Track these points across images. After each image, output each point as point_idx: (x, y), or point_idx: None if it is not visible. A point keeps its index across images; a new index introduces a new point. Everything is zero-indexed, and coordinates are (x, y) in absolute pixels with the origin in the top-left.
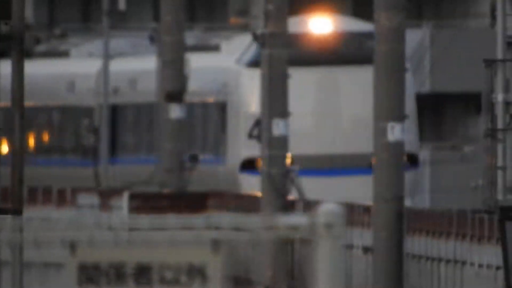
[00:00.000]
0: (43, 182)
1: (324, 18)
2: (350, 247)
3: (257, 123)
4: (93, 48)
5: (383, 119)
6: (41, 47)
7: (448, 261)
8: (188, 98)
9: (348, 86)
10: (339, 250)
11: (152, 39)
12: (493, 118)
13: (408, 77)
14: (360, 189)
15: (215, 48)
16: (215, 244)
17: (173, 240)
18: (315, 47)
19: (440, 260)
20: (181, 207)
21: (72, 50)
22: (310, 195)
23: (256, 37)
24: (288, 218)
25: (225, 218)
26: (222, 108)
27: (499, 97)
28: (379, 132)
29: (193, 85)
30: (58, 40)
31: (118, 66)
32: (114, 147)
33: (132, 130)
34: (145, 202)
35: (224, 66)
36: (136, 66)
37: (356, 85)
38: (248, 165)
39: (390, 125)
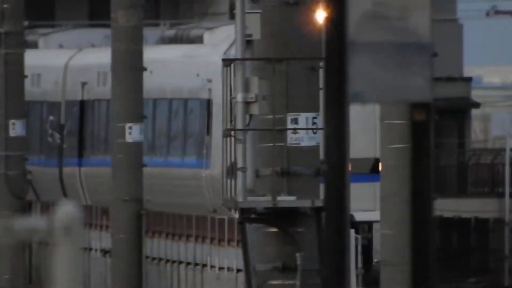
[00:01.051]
0: None
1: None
2: (88, 249)
3: None
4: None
5: (121, 119)
6: None
7: (188, 263)
8: (165, 94)
9: None
10: (77, 253)
11: None
12: (232, 118)
13: None
14: (363, 197)
15: (198, 40)
16: None
17: None
18: None
19: (180, 262)
20: None
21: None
22: None
23: None
24: (26, 221)
25: None
26: (206, 106)
27: (239, 97)
28: (117, 133)
29: (172, 80)
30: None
31: None
32: None
33: None
34: None
35: (209, 60)
36: None
37: None
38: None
39: (128, 125)
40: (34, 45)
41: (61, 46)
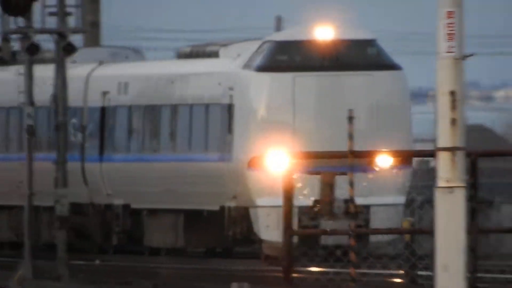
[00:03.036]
0: None
1: (327, 26)
2: None
3: None
4: None
5: None
6: None
7: None
8: (194, 100)
9: (352, 91)
10: None
11: None
12: None
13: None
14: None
15: (215, 55)
16: None
17: None
18: (319, 54)
19: None
20: None
21: None
22: (316, 189)
23: None
24: None
25: None
26: (228, 109)
27: None
28: None
29: (200, 89)
30: None
31: None
32: None
33: None
34: None
35: (231, 71)
36: None
37: (360, 90)
38: (255, 163)
39: None
40: None
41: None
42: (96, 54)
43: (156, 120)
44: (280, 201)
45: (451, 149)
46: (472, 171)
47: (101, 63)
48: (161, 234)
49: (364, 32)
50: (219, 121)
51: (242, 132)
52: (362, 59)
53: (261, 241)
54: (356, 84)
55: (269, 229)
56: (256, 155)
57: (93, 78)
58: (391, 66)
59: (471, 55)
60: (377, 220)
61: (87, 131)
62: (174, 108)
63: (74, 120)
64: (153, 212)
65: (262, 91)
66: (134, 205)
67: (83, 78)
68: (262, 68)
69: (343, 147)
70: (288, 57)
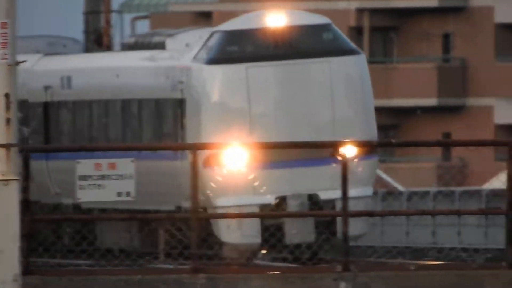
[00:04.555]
0: None
1: (278, 13)
2: None
3: None
4: None
5: None
6: None
7: None
8: (142, 95)
9: (306, 79)
10: None
11: None
12: None
13: (361, 63)
14: (321, 179)
15: (161, 46)
16: None
17: None
18: (271, 42)
19: None
20: None
21: None
22: (278, 185)
23: None
24: None
25: None
26: (179, 104)
27: None
28: None
29: (147, 82)
30: None
31: None
32: None
33: None
34: None
35: (179, 64)
36: None
37: (313, 78)
38: (211, 160)
39: None
40: None
41: None
42: (33, 44)
43: (102, 116)
44: (240, 200)
45: (6, 146)
46: (25, 165)
47: (44, 54)
48: (114, 235)
49: (317, 17)
50: (170, 116)
51: (196, 128)
52: (317, 45)
53: (221, 244)
54: (313, 72)
55: (230, 231)
56: (211, 152)
57: (35, 71)
58: (349, 51)
59: (23, 61)
60: None
61: (31, 127)
62: (122, 103)
63: (18, 114)
64: (105, 212)
65: (214, 85)
66: (85, 205)
67: (26, 71)
68: (213, 61)
69: (303, 137)
70: (239, 48)
